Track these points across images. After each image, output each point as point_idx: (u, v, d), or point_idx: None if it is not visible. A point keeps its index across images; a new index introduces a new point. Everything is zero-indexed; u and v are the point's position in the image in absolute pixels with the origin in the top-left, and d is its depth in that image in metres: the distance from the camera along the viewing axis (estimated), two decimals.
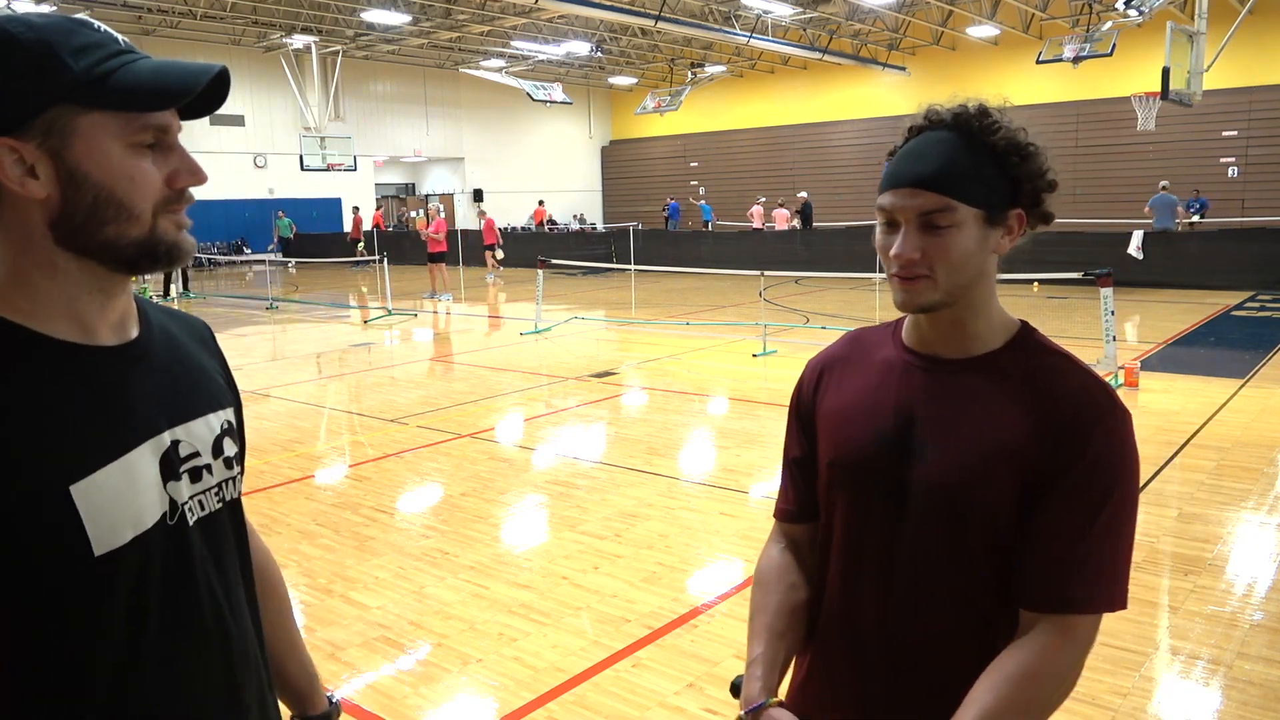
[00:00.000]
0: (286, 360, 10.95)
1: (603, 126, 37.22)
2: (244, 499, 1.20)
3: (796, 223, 23.91)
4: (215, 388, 1.15)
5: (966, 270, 1.21)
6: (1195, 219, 20.35)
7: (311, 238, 26.30)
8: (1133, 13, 16.35)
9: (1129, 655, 3.43)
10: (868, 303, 13.46)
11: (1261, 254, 15.04)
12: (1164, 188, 17.66)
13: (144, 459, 0.99)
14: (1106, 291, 8.14)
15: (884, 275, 1.28)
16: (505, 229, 22.87)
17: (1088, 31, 20.74)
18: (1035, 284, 14.99)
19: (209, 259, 25.54)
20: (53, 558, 0.92)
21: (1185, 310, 12.84)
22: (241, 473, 1.18)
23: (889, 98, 27.93)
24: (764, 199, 27.17)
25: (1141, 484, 5.09)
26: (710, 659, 3.47)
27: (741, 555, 4.51)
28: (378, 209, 28.69)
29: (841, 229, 21.21)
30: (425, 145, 31.43)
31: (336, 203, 28.71)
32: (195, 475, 1.06)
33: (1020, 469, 1.19)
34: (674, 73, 31.89)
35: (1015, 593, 1.22)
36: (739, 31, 23.21)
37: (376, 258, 16.67)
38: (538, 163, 34.49)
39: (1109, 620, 3.69)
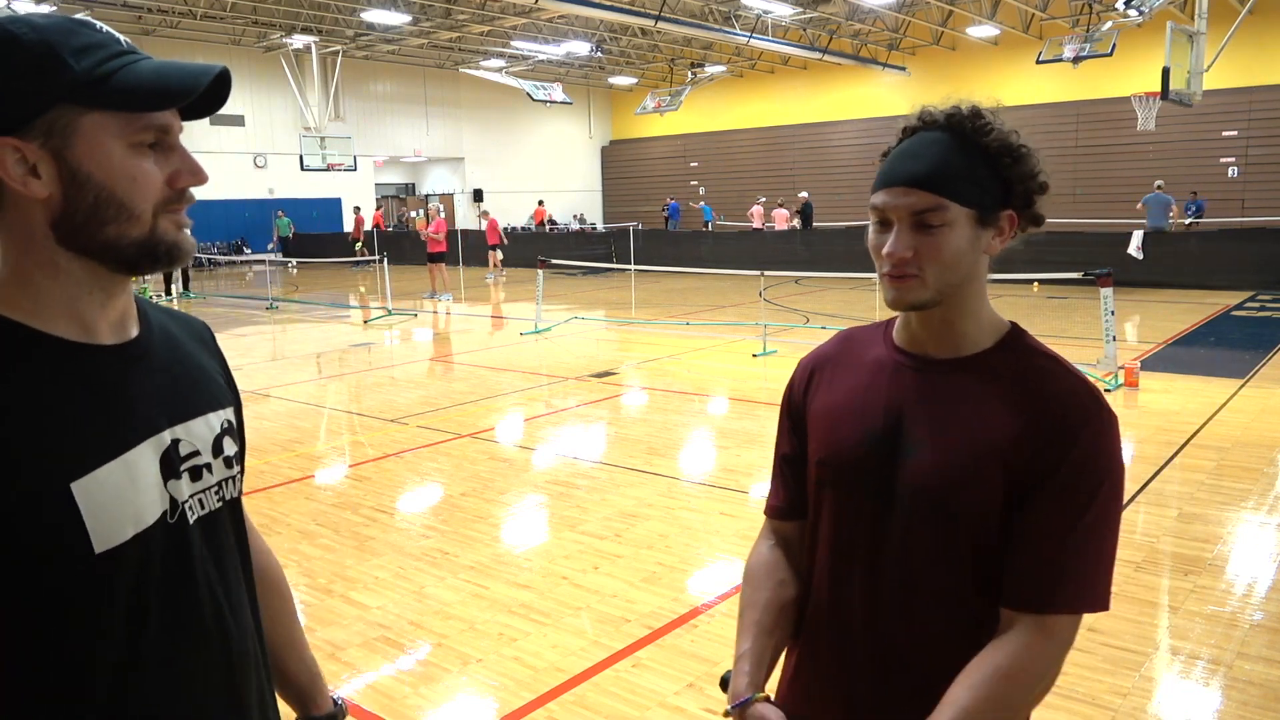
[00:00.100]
0: (286, 360, 10.95)
1: (603, 126, 37.22)
2: (244, 499, 1.20)
3: (797, 223, 23.92)
4: (215, 387, 1.16)
5: (958, 270, 1.22)
6: (1190, 220, 20.36)
7: (311, 238, 26.30)
8: (1133, 13, 16.35)
9: (1129, 655, 3.43)
10: (868, 303, 13.46)
11: (1261, 254, 15.05)
12: (1159, 187, 17.67)
13: (144, 457, 1.00)
14: (1106, 291, 8.14)
15: None
16: (505, 229, 22.86)
17: (1088, 31, 20.74)
18: (1035, 284, 14.99)
19: (209, 259, 25.55)
20: (53, 556, 0.92)
21: (1185, 310, 12.84)
22: (241, 472, 1.18)
23: (889, 98, 27.93)
24: (764, 199, 27.17)
25: (1141, 484, 5.08)
26: (710, 659, 3.47)
27: (741, 555, 4.50)
28: (378, 209, 28.68)
29: (841, 229, 21.21)
30: (425, 145, 31.44)
31: (336, 203, 28.71)
32: (195, 474, 1.07)
33: (1008, 469, 1.20)
34: (674, 73, 31.89)
35: (998, 591, 1.23)
36: (739, 31, 23.22)
37: (376, 258, 16.67)
38: (538, 163, 34.49)
39: (1109, 620, 3.70)
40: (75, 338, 0.99)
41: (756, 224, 25.64)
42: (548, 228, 29.69)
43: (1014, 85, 25.75)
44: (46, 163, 0.93)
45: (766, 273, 12.37)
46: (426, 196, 32.18)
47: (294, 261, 25.21)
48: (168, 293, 17.48)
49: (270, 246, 25.82)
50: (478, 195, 32.40)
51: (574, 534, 4.83)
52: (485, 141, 33.00)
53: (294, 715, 1.34)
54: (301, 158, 24.29)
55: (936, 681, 1.20)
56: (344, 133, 25.42)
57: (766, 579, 1.41)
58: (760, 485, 5.60)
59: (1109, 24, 19.86)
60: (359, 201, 27.19)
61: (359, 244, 23.02)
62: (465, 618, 3.87)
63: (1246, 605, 3.86)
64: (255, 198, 26.91)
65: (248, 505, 1.22)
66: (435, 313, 15.09)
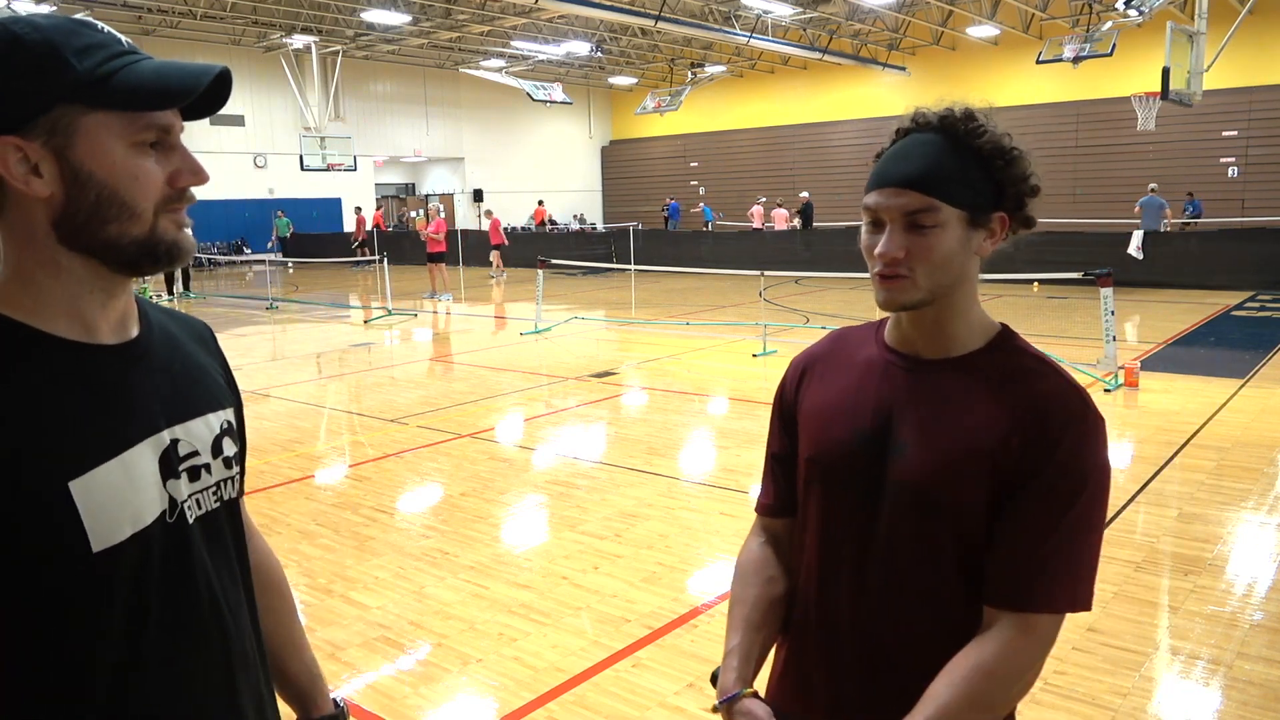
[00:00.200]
0: (286, 360, 10.96)
1: (603, 126, 37.23)
2: (244, 499, 1.20)
3: (797, 223, 23.92)
4: (215, 388, 1.16)
5: (949, 271, 1.23)
6: (1186, 221, 20.38)
7: (311, 237, 26.30)
8: (1133, 13, 16.35)
9: (1129, 655, 3.43)
10: (867, 303, 13.44)
11: (1261, 254, 15.05)
12: (1153, 190, 17.68)
13: (143, 457, 1.00)
14: (1106, 291, 8.14)
15: None
16: (506, 229, 22.86)
17: (1088, 31, 20.74)
18: (1035, 284, 15.00)
19: (209, 259, 25.55)
20: (53, 555, 0.92)
21: (1185, 310, 12.84)
22: (242, 473, 1.18)
23: (889, 98, 27.93)
24: (764, 199, 27.17)
25: (1141, 484, 5.08)
26: (710, 659, 3.47)
27: None
28: (378, 209, 28.69)
29: (841, 229, 21.21)
30: (425, 145, 31.44)
31: (336, 203, 28.72)
32: (194, 474, 1.07)
33: (995, 469, 1.21)
34: (674, 73, 31.89)
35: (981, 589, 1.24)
36: (739, 31, 23.22)
37: (376, 258, 16.67)
38: (538, 163, 34.49)
39: (1109, 620, 3.71)
40: (76, 337, 0.99)
41: (756, 224, 25.64)
42: (548, 228, 29.69)
43: (1014, 85, 25.75)
44: (48, 162, 0.93)
45: (766, 273, 12.36)
46: (426, 196, 32.18)
47: (290, 262, 25.20)
48: (169, 292, 17.48)
49: (269, 245, 25.81)
50: (478, 195, 32.40)
51: (574, 534, 4.83)
52: (485, 141, 33.00)
53: (294, 716, 1.34)
54: (301, 158, 24.29)
55: (924, 681, 1.21)
56: (344, 133, 25.41)
57: (756, 575, 1.43)
58: (760, 485, 5.59)
59: (1109, 24, 19.86)
60: (359, 201, 27.19)
61: (358, 243, 23.02)
62: (465, 618, 3.87)
63: (1246, 605, 3.87)
64: (255, 198, 26.91)
65: (248, 505, 1.22)
66: (435, 313, 15.09)
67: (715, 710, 1.32)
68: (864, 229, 1.27)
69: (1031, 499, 1.19)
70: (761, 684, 1.39)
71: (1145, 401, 7.55)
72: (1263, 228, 17.71)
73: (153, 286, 17.41)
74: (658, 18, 20.67)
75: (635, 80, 33.75)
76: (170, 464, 1.03)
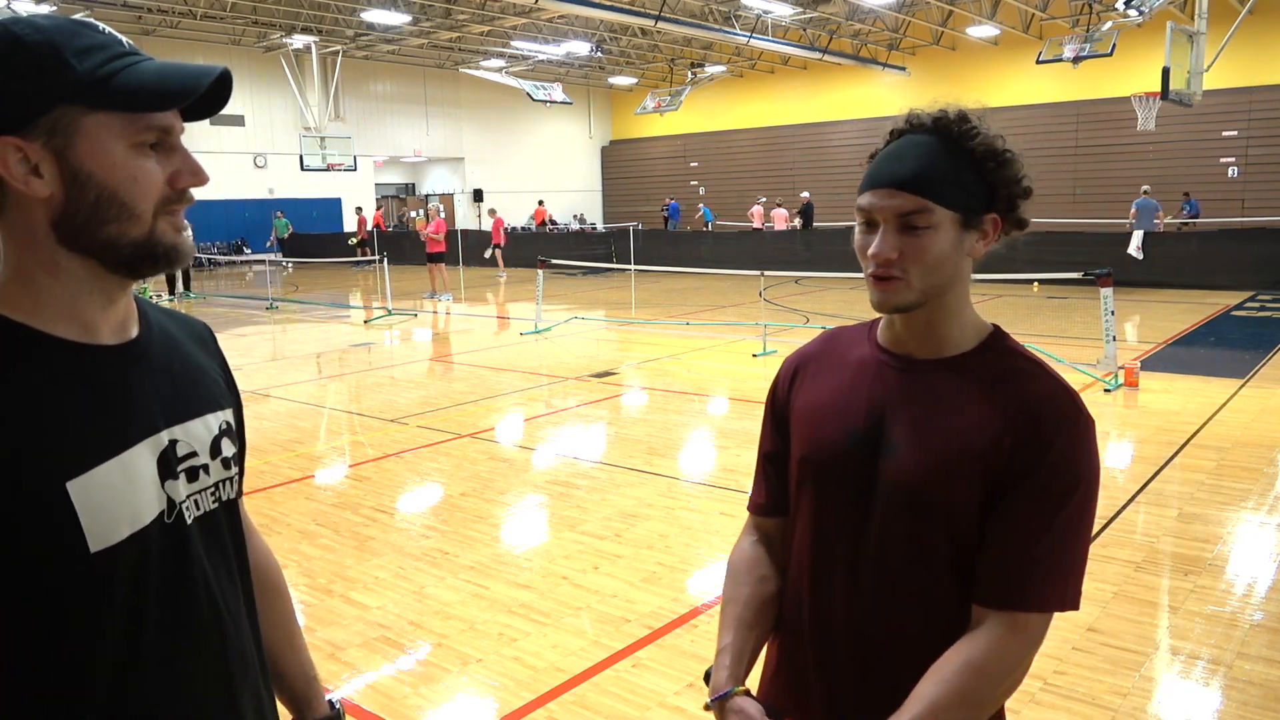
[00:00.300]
0: (286, 360, 10.96)
1: (603, 126, 37.22)
2: (244, 499, 1.20)
3: (798, 223, 23.92)
4: (214, 388, 1.16)
5: (942, 272, 1.24)
6: (1183, 221, 20.39)
7: (312, 237, 26.30)
8: (1133, 13, 16.35)
9: (1129, 655, 3.43)
10: (867, 303, 13.41)
11: (1261, 254, 15.05)
12: (1145, 191, 17.69)
13: (142, 457, 1.00)
14: (1106, 291, 8.14)
15: None
16: (506, 229, 22.86)
17: (1088, 31, 20.74)
18: (1035, 284, 15.00)
19: (209, 259, 25.54)
20: (53, 555, 0.92)
21: (1185, 310, 12.84)
22: (240, 474, 1.18)
23: (889, 98, 27.91)
24: (764, 199, 27.18)
25: (1141, 484, 5.07)
26: (710, 659, 3.46)
27: None
28: (378, 209, 28.69)
29: (841, 229, 21.14)
30: (425, 145, 31.44)
31: (336, 203, 28.72)
32: (192, 475, 1.07)
33: (987, 469, 1.21)
34: (674, 73, 31.89)
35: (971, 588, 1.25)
36: (739, 31, 23.21)
37: (376, 258, 16.67)
38: (538, 163, 34.49)
39: (1109, 620, 3.71)
40: (76, 338, 0.99)
41: (756, 224, 25.65)
42: (548, 228, 29.69)
43: (1014, 85, 25.75)
44: (48, 162, 0.94)
45: (766, 273, 12.37)
46: (426, 196, 32.18)
47: (288, 262, 25.20)
48: (170, 292, 17.49)
49: (268, 245, 25.80)
50: (478, 195, 32.40)
51: (574, 534, 4.83)
52: (485, 141, 33.00)
53: (290, 717, 1.34)
54: (301, 158, 24.28)
55: (916, 680, 1.21)
56: (344, 133, 25.41)
57: (748, 574, 1.43)
58: None
59: (1109, 24, 19.86)
60: (359, 201, 27.19)
61: (357, 241, 23.00)
62: (465, 618, 3.87)
63: (1246, 605, 3.87)
64: (255, 198, 26.90)
65: (248, 505, 1.22)
66: (435, 313, 15.09)
67: (708, 708, 1.33)
68: (857, 229, 1.28)
69: (1023, 499, 1.20)
70: (754, 682, 1.40)
71: (1145, 401, 7.55)
72: (1263, 228, 17.71)
73: (153, 287, 17.41)
74: (658, 18, 20.67)
75: (635, 80, 33.74)
76: (168, 464, 1.03)
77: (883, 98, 28.23)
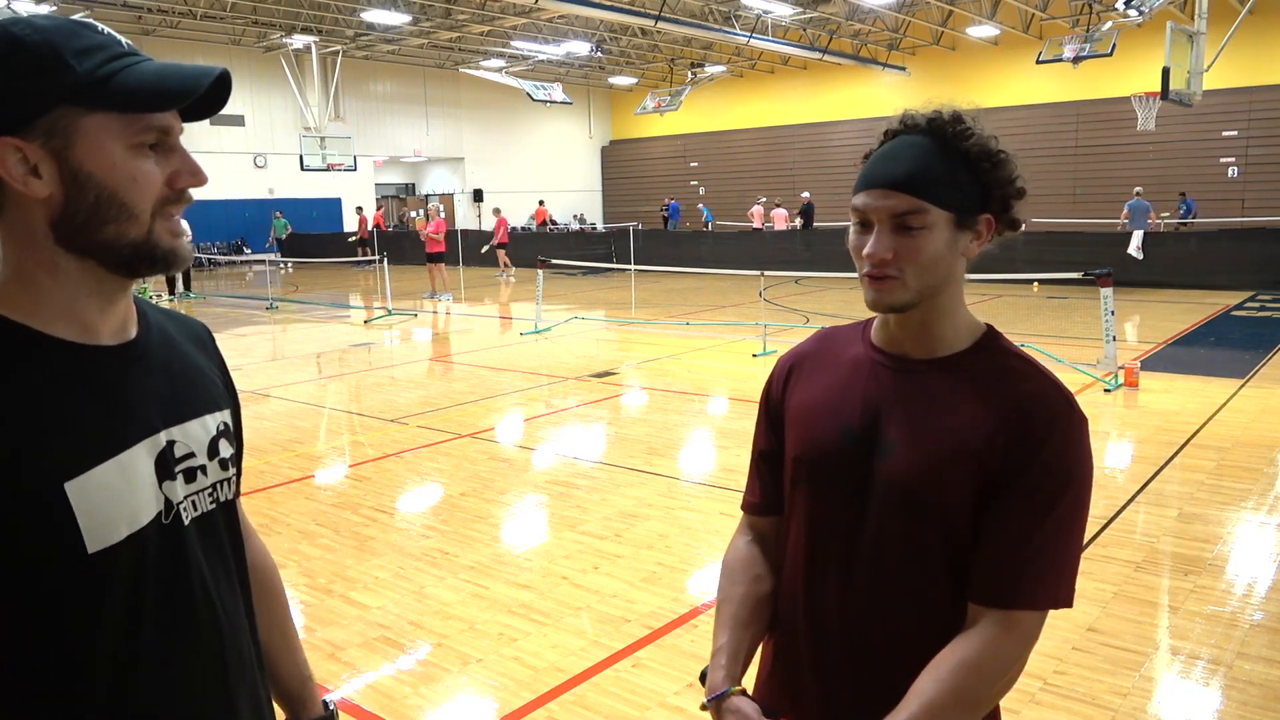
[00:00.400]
0: (286, 360, 10.96)
1: (603, 126, 37.22)
2: (244, 499, 1.20)
3: (798, 223, 23.92)
4: (212, 389, 1.16)
5: (936, 272, 1.24)
6: (1180, 221, 20.39)
7: (312, 237, 26.29)
8: (1133, 13, 16.35)
9: (1129, 655, 3.43)
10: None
11: (1261, 254, 15.06)
12: (1138, 193, 17.70)
13: (140, 458, 1.00)
14: (1106, 291, 8.14)
15: None
16: (508, 229, 22.83)
17: (1088, 31, 20.73)
18: (1035, 284, 15.00)
19: (209, 259, 25.54)
20: (52, 555, 0.93)
21: (1185, 310, 12.84)
22: (238, 475, 1.18)
23: (889, 98, 27.88)
24: (764, 199, 27.18)
25: (1141, 484, 5.07)
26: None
27: None
28: (378, 209, 28.68)
29: (841, 229, 20.95)
30: (425, 145, 31.44)
31: (336, 203, 28.71)
32: (190, 476, 1.07)
33: (980, 469, 1.22)
34: (674, 73, 31.89)
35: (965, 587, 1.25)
36: (739, 31, 23.22)
37: (376, 258, 16.67)
38: (538, 163, 34.49)
39: (1109, 620, 3.71)
40: (75, 338, 0.99)
41: (756, 224, 25.65)
42: (548, 228, 29.69)
43: (1014, 85, 25.75)
44: (48, 163, 0.94)
45: (766, 273, 12.37)
46: (426, 196, 32.18)
47: (287, 263, 25.19)
48: (170, 293, 17.49)
49: (267, 245, 25.79)
50: (478, 195, 32.40)
51: (574, 534, 4.83)
52: (485, 141, 33.00)
53: (285, 717, 1.35)
54: (301, 158, 24.27)
55: (911, 679, 1.22)
56: (344, 133, 25.40)
57: (743, 574, 1.44)
58: None
59: (1109, 24, 19.86)
60: (359, 201, 27.17)
61: (357, 240, 22.99)
62: (465, 618, 3.87)
63: (1246, 605, 3.87)
64: (255, 198, 26.89)
65: (247, 505, 1.22)
66: (435, 313, 15.09)
67: (704, 708, 1.33)
68: (852, 229, 1.29)
69: (1016, 498, 1.21)
70: (749, 681, 1.40)
71: (1145, 401, 7.55)
72: (1263, 228, 17.72)
73: (153, 287, 17.41)
74: (658, 18, 20.67)
75: (635, 80, 33.74)
76: (166, 465, 1.03)
77: (883, 98, 28.21)
